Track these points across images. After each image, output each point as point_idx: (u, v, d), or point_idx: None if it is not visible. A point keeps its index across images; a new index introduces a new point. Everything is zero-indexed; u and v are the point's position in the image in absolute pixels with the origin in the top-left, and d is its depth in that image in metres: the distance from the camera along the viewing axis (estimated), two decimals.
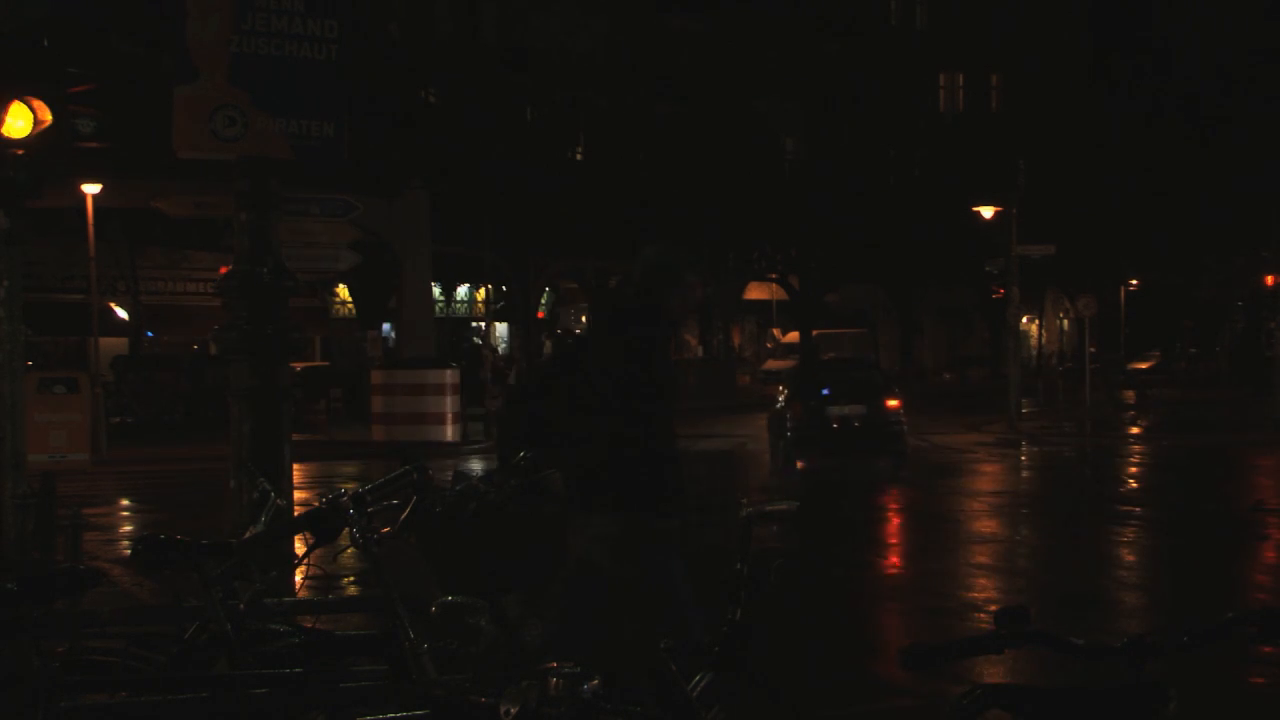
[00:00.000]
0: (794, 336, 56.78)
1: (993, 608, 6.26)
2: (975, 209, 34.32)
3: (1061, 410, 38.23)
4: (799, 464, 20.96)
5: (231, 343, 7.51)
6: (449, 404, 27.87)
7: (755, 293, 59.14)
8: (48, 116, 8.82)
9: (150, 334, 41.22)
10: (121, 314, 39.72)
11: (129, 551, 11.32)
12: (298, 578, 5.30)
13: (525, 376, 5.68)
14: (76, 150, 21.29)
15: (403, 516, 4.45)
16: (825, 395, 21.06)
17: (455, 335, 48.63)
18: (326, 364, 41.55)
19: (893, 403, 21.12)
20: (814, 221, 47.67)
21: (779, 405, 21.75)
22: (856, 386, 21.38)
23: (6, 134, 8.74)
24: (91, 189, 27.01)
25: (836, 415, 20.75)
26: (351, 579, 11.04)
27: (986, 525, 16.06)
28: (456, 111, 38.71)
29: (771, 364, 56.55)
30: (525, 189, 37.41)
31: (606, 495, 5.38)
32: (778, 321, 61.88)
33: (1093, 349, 43.38)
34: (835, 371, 24.04)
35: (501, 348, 50.77)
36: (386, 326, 45.55)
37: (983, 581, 12.40)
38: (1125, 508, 17.98)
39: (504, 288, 42.81)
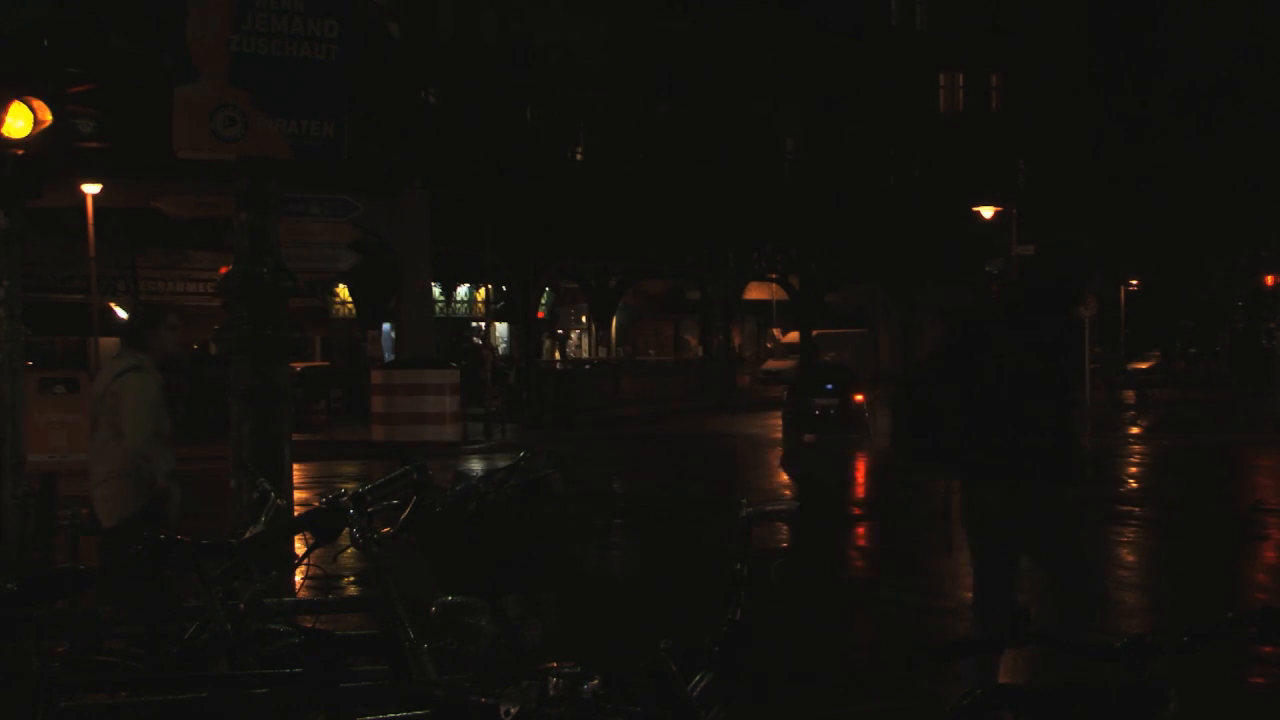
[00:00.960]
0: (794, 336, 56.77)
1: None
2: (975, 209, 34.30)
3: None
4: (808, 438, 27.26)
5: (231, 343, 7.51)
6: (449, 404, 27.87)
7: (755, 293, 59.12)
8: (48, 116, 8.82)
9: None
10: (121, 314, 39.69)
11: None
12: (298, 578, 5.29)
13: (924, 360, 6.20)
14: (76, 150, 21.31)
15: (403, 516, 4.44)
16: (810, 391, 28.13)
17: (455, 335, 48.60)
18: (326, 364, 41.50)
19: (858, 396, 27.72)
20: (814, 221, 47.65)
21: (785, 400, 28.87)
22: (833, 385, 28.31)
23: (6, 134, 8.73)
24: (91, 189, 26.98)
25: (818, 405, 27.64)
26: (351, 579, 11.03)
27: None
28: (456, 111, 38.67)
29: (771, 364, 56.62)
30: (525, 189, 37.38)
31: (1013, 467, 5.76)
32: (778, 321, 61.89)
33: (1097, 350, 43.37)
34: (818, 373, 30.99)
35: (501, 348, 50.75)
36: (386, 326, 45.52)
37: None
38: (1125, 508, 17.96)
39: (504, 288, 42.79)
